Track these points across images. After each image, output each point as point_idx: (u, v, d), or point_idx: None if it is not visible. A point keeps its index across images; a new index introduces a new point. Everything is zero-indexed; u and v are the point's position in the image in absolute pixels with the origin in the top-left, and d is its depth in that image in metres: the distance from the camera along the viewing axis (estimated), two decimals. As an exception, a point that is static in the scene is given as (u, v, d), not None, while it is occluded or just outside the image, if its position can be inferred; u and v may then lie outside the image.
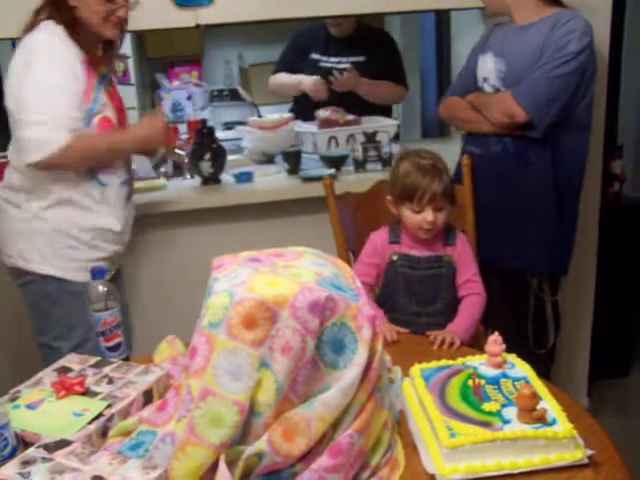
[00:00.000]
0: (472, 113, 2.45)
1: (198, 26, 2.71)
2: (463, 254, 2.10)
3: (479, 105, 2.41)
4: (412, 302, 2.07)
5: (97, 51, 2.21)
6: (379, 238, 2.13)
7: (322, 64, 3.64)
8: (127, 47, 4.93)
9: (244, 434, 1.21)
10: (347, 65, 3.55)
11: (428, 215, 2.00)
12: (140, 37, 5.14)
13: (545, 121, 2.27)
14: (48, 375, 1.56)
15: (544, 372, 2.55)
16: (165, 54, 5.27)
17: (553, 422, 1.30)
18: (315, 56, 3.65)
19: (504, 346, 1.50)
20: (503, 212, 2.42)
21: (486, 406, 1.36)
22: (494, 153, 2.40)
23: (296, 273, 1.28)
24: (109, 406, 1.41)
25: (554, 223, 2.41)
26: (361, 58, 3.57)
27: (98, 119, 2.13)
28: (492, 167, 2.40)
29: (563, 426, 1.28)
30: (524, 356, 2.37)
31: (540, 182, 2.36)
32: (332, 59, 3.63)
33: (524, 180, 2.37)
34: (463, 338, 1.88)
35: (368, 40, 3.62)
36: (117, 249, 2.33)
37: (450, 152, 2.62)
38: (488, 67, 2.42)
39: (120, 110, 2.27)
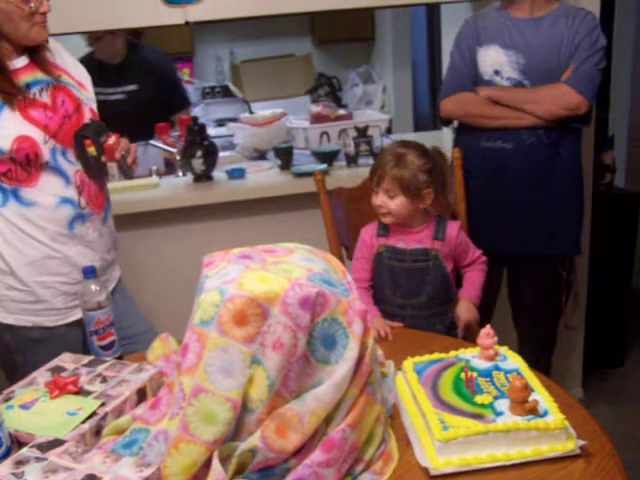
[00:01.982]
0: (500, 108, 2.38)
1: (188, 23, 2.70)
2: (458, 244, 2.13)
3: (519, 100, 2.35)
4: (397, 294, 2.09)
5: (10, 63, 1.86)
6: (368, 232, 2.15)
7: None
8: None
9: (237, 431, 1.21)
10: (122, 96, 3.46)
11: (377, 198, 2.05)
12: (131, 35, 5.12)
13: (593, 110, 2.37)
14: (42, 375, 1.56)
15: (548, 360, 2.66)
16: (156, 51, 5.24)
17: (545, 413, 1.31)
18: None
19: (496, 339, 1.51)
20: (539, 204, 2.42)
21: (478, 398, 1.37)
22: (529, 146, 2.38)
23: (287, 269, 1.28)
24: (103, 405, 1.41)
25: (581, 207, 2.50)
26: (134, 87, 3.49)
27: (12, 141, 1.80)
28: (527, 160, 2.38)
29: (555, 417, 1.29)
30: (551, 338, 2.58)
31: (571, 169, 2.42)
32: (107, 90, 3.41)
33: (558, 169, 2.40)
34: (475, 302, 2.12)
35: (142, 66, 3.51)
36: (79, 279, 1.87)
37: (445, 145, 2.62)
38: (497, 60, 2.38)
39: (68, 115, 1.91)
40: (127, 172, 1.98)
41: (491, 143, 2.43)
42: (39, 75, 1.90)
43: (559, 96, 2.30)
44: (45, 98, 1.88)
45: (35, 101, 1.87)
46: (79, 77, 2.04)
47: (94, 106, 2.04)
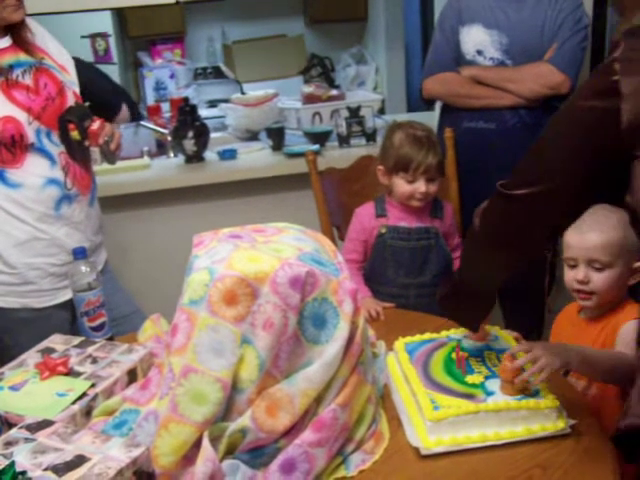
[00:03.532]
0: (483, 88, 2.37)
1: (178, 2, 2.68)
2: (451, 224, 2.16)
3: (502, 80, 2.34)
4: (400, 274, 2.08)
5: None
6: (365, 213, 2.12)
7: None
8: (108, 26, 4.88)
9: (227, 411, 1.21)
10: None
11: (421, 186, 2.02)
12: (121, 15, 5.07)
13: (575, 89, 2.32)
14: (32, 356, 1.55)
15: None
16: (147, 32, 5.19)
17: (536, 393, 1.31)
18: None
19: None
20: None
21: (469, 378, 1.37)
22: (511, 126, 2.37)
23: (276, 248, 1.27)
24: (93, 386, 1.40)
25: None
26: None
27: None
28: (510, 140, 2.37)
29: (545, 397, 1.29)
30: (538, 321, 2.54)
31: None
32: None
33: None
34: None
35: None
36: (66, 260, 1.92)
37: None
38: (480, 39, 2.37)
39: (51, 98, 1.90)
40: (110, 157, 1.97)
41: (474, 123, 2.43)
42: (22, 57, 1.89)
43: (542, 75, 2.29)
44: (28, 80, 1.87)
45: (18, 83, 1.85)
46: (61, 60, 2.03)
47: (77, 90, 2.03)
